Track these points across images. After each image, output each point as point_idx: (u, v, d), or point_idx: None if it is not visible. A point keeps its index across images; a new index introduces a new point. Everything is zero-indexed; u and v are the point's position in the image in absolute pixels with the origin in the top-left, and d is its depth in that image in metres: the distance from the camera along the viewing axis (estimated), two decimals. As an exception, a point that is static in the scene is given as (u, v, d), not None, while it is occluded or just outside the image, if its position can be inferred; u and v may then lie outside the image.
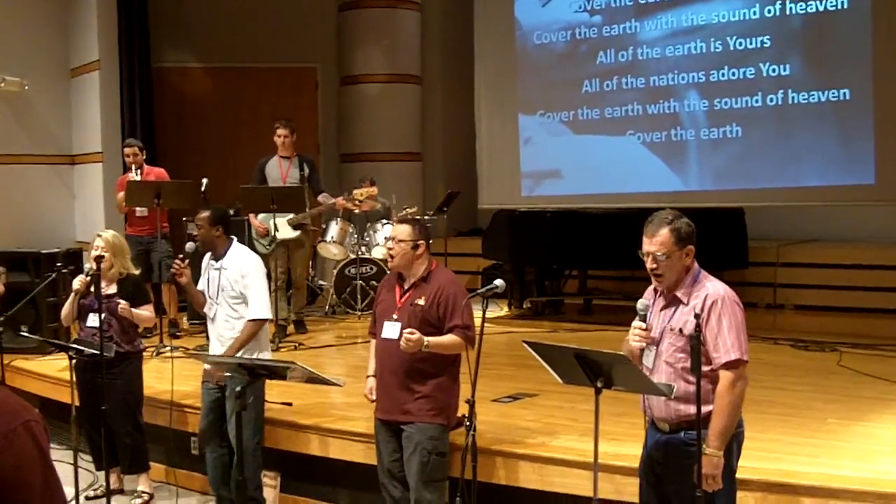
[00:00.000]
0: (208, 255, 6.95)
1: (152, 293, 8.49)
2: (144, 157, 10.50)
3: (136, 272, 7.35)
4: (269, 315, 6.94)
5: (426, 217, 12.46)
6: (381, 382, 5.89)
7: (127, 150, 10.42)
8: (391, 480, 5.91)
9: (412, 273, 5.83)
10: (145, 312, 7.19)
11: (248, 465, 6.45)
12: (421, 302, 5.71)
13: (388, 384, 5.82)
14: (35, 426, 2.19)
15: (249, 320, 6.69)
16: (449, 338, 5.64)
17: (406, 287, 5.84)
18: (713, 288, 4.51)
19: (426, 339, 5.54)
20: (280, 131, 10.40)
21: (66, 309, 7.22)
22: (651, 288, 4.72)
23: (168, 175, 10.49)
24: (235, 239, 6.98)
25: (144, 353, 7.57)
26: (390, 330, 5.76)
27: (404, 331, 5.56)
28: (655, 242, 4.51)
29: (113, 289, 7.09)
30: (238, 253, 6.87)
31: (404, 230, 5.82)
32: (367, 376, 6.02)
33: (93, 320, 6.90)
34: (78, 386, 7.06)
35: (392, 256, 5.82)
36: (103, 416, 6.75)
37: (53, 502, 2.20)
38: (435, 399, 5.73)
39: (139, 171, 10.31)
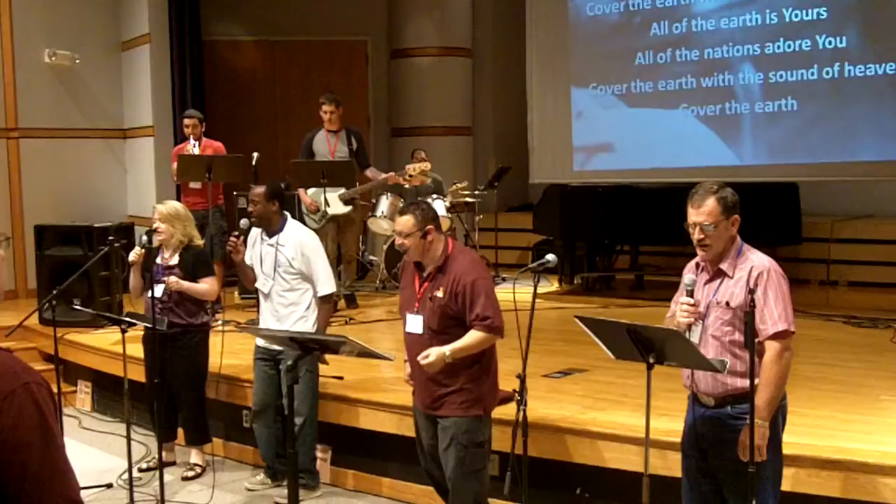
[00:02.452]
0: (257, 231, 6.95)
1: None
2: (203, 129, 10.51)
3: (201, 242, 7.36)
4: (335, 288, 7.00)
5: (477, 192, 12.45)
6: (414, 375, 5.71)
7: (187, 121, 10.43)
8: (432, 463, 5.79)
9: (429, 259, 5.52)
10: (203, 286, 7.14)
11: (303, 438, 6.50)
12: (439, 294, 5.42)
13: (419, 377, 5.61)
14: (36, 388, 2.20)
15: (321, 297, 6.76)
16: (470, 337, 5.35)
17: (424, 275, 5.56)
18: (758, 260, 4.48)
19: (446, 349, 5.28)
20: (326, 107, 10.31)
21: (133, 282, 7.22)
22: (693, 263, 4.68)
23: (225, 149, 10.47)
24: (289, 215, 6.99)
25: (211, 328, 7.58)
26: (413, 324, 5.53)
27: (418, 357, 5.34)
28: (702, 213, 4.46)
29: (175, 259, 7.12)
30: (295, 230, 6.88)
31: (407, 222, 5.45)
32: (405, 360, 5.83)
33: (155, 291, 6.93)
34: (145, 357, 7.14)
35: (404, 251, 5.55)
36: (162, 388, 6.80)
37: (53, 464, 2.20)
38: (468, 391, 5.49)
39: (198, 143, 10.34)
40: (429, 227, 5.45)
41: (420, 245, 5.46)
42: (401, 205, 11.45)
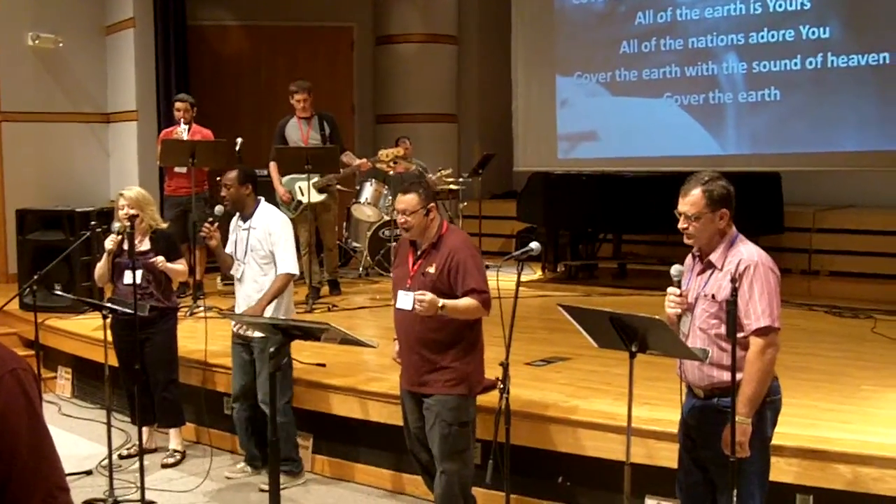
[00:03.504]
0: (236, 216, 6.97)
1: (188, 254, 8.53)
2: (195, 113, 10.46)
3: (164, 226, 7.36)
4: (297, 270, 6.97)
5: (461, 179, 12.45)
6: (402, 353, 5.81)
7: (178, 105, 10.36)
8: (419, 446, 5.87)
9: (425, 237, 5.64)
10: (179, 266, 7.21)
11: (282, 425, 6.50)
12: (431, 270, 5.53)
13: (407, 355, 5.73)
14: (23, 374, 2.18)
15: (280, 274, 6.76)
16: (465, 301, 5.45)
17: (419, 253, 5.67)
18: (747, 253, 4.44)
19: (441, 300, 5.36)
20: (298, 96, 10.15)
21: (101, 269, 7.22)
22: (691, 253, 4.67)
23: (214, 137, 10.38)
24: (263, 199, 7.01)
25: (178, 313, 7.61)
26: (404, 300, 5.59)
27: (415, 294, 5.40)
28: (687, 202, 4.46)
29: (146, 245, 7.11)
30: (266, 212, 6.93)
31: (412, 200, 5.56)
32: (394, 339, 5.93)
33: (129, 278, 6.91)
34: (116, 344, 7.12)
35: (407, 229, 5.62)
36: (138, 374, 6.78)
37: (41, 450, 2.19)
38: (453, 369, 5.59)
39: (188, 128, 10.30)
40: (431, 204, 5.61)
41: (423, 222, 5.58)
42: (384, 191, 11.53)
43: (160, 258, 7.01)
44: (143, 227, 7.10)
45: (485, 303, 5.47)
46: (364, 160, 10.47)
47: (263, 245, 6.76)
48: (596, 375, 6.94)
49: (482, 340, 5.75)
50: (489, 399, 5.74)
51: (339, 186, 10.69)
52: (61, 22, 12.02)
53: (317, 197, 10.19)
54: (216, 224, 6.87)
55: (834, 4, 10.91)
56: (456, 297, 5.48)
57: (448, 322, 5.53)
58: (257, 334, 6.62)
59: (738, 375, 4.29)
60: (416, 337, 5.62)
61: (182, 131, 10.23)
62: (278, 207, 9.91)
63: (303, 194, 10.03)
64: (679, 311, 4.55)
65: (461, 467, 5.65)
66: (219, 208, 7.07)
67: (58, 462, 2.24)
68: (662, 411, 5.75)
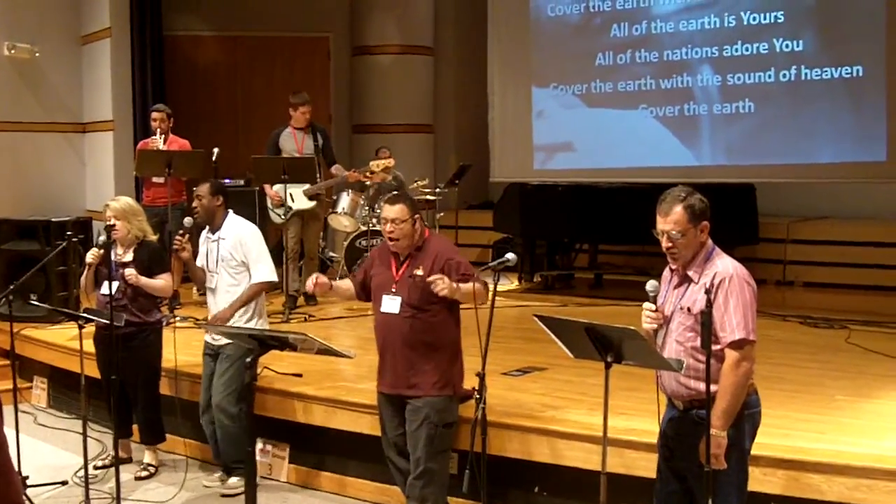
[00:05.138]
0: (206, 229, 7.00)
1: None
2: (172, 124, 10.44)
3: (154, 237, 7.33)
4: (274, 277, 7.01)
5: (437, 189, 12.46)
6: (384, 357, 5.87)
7: (155, 115, 10.35)
8: (396, 454, 5.94)
9: (411, 244, 5.79)
10: (159, 282, 7.09)
11: (238, 430, 6.56)
12: (419, 272, 5.64)
13: (391, 358, 5.80)
14: None
15: (254, 283, 6.80)
16: (468, 284, 5.58)
17: (402, 259, 5.80)
18: (723, 266, 4.46)
19: (454, 283, 5.50)
20: (303, 109, 10.34)
21: (85, 280, 7.18)
22: (668, 266, 4.69)
23: (191, 147, 10.39)
24: (231, 211, 7.04)
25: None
26: (390, 304, 5.71)
27: (429, 278, 5.48)
28: (670, 221, 4.46)
29: (130, 256, 7.06)
30: (235, 222, 6.97)
31: (400, 209, 5.70)
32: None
33: (106, 288, 6.90)
34: (98, 357, 7.10)
35: (395, 239, 5.72)
36: (115, 385, 6.76)
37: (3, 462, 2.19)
38: (440, 371, 5.72)
39: (164, 138, 10.28)
40: (417, 214, 5.77)
41: (410, 233, 5.72)
42: (361, 202, 11.54)
43: (130, 271, 6.92)
44: (129, 238, 7.06)
45: (485, 286, 5.62)
46: (353, 172, 10.52)
47: (235, 255, 6.80)
48: (572, 386, 6.96)
49: (461, 348, 5.86)
50: (466, 409, 5.78)
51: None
52: (37, 31, 11.97)
53: (307, 204, 10.24)
54: (187, 236, 6.89)
55: (808, 17, 11.00)
56: (444, 302, 5.65)
57: (436, 324, 5.66)
58: (226, 341, 6.65)
59: (714, 387, 4.32)
60: (404, 339, 5.70)
61: (159, 141, 10.22)
62: (269, 211, 10.05)
63: (293, 200, 10.08)
64: (655, 326, 4.58)
65: (442, 467, 5.78)
66: (188, 220, 7.09)
67: (15, 478, 2.23)
68: (638, 421, 5.78)
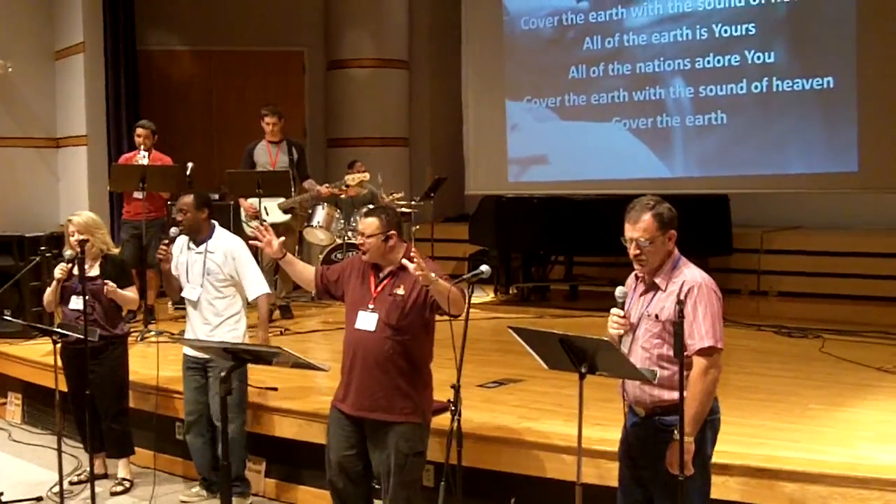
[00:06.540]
0: (183, 240, 6.93)
1: (139, 280, 8.46)
2: (156, 140, 10.41)
3: (116, 250, 7.32)
4: (268, 288, 7.08)
5: (413, 202, 12.47)
6: (350, 375, 5.63)
7: (140, 131, 10.33)
8: (338, 474, 5.67)
9: (388, 262, 5.62)
10: (129, 294, 7.14)
11: (234, 447, 6.47)
12: (401, 292, 5.50)
13: (359, 377, 5.57)
14: None
15: (256, 299, 6.87)
16: (447, 283, 5.33)
17: (382, 276, 5.63)
18: (690, 275, 4.52)
19: (433, 274, 5.26)
20: (269, 119, 10.42)
21: (49, 296, 7.14)
22: (633, 274, 4.74)
23: (172, 164, 10.38)
24: (217, 223, 7.01)
25: (129, 338, 7.55)
26: (366, 321, 5.52)
27: (406, 262, 5.33)
28: (638, 228, 4.51)
29: (96, 270, 7.03)
30: (223, 236, 6.93)
31: (371, 224, 5.57)
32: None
33: (76, 303, 6.87)
34: (66, 371, 7.06)
35: (363, 252, 5.63)
36: (89, 400, 6.73)
37: None
38: (409, 397, 5.52)
39: (147, 154, 10.26)
40: (392, 232, 5.60)
41: (381, 247, 5.58)
42: (336, 215, 11.54)
43: (111, 283, 6.95)
44: (94, 251, 7.02)
45: (464, 295, 5.39)
46: (324, 187, 10.54)
47: (224, 269, 6.77)
48: (548, 397, 6.97)
49: (431, 373, 5.72)
50: (441, 421, 5.76)
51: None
52: (10, 46, 11.93)
53: (281, 217, 10.25)
54: (171, 246, 6.86)
55: (779, 29, 11.07)
56: (425, 319, 5.54)
57: (411, 347, 5.51)
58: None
59: (678, 394, 4.34)
60: (376, 359, 5.50)
61: (142, 157, 10.20)
62: (242, 224, 10.04)
63: (268, 214, 10.08)
64: (622, 331, 4.61)
65: (412, 494, 5.60)
66: (174, 230, 7.06)
67: None
68: (613, 432, 5.76)
